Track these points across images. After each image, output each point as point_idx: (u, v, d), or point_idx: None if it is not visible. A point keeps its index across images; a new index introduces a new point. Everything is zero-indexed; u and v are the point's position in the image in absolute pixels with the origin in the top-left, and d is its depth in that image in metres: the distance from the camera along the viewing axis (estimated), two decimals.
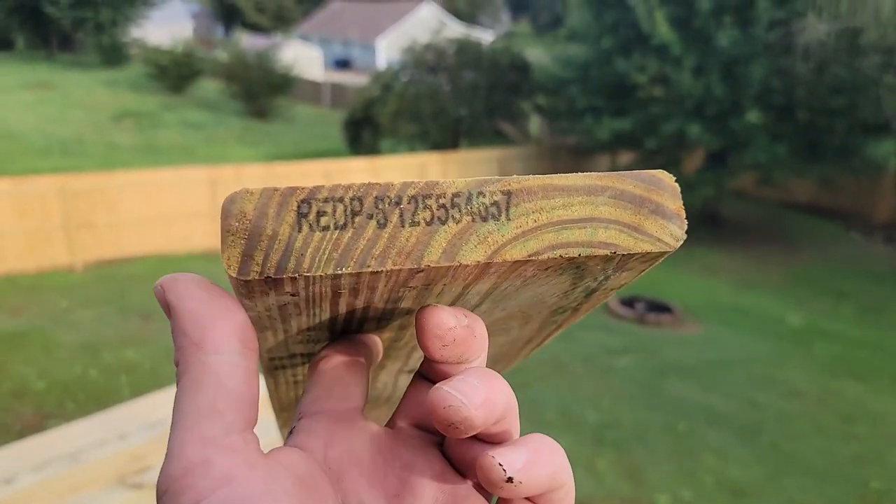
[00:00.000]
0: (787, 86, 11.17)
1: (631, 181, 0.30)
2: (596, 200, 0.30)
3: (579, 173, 0.30)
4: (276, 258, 0.28)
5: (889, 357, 7.70)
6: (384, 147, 15.17)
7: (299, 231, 0.28)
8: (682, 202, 0.31)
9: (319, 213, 0.28)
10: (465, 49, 14.55)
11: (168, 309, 0.28)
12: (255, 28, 41.46)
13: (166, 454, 0.25)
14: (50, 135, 16.62)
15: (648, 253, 0.30)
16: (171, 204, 9.74)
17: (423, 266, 0.28)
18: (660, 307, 8.47)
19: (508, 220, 0.29)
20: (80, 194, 8.98)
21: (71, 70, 26.56)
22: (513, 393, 0.30)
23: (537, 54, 15.24)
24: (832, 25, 10.36)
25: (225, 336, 0.28)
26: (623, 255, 0.30)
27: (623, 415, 5.82)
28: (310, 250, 0.28)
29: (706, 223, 13.54)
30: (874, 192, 13.78)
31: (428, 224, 0.28)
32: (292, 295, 0.29)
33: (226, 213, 0.28)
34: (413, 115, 13.96)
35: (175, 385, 0.28)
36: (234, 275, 0.28)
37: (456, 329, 0.29)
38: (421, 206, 0.28)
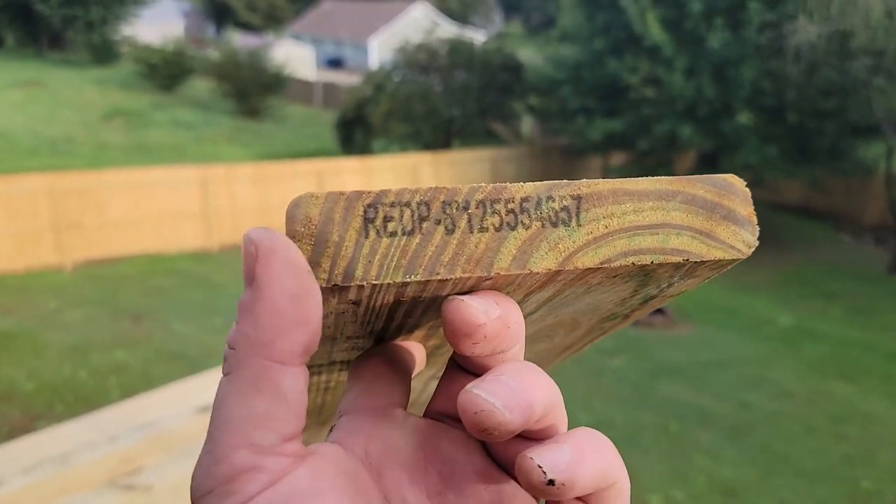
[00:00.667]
0: (777, 88, 11.22)
1: (702, 186, 0.29)
2: (667, 206, 0.29)
3: (649, 177, 0.29)
4: (343, 265, 0.27)
5: (879, 358, 7.74)
6: (376, 147, 15.15)
7: (366, 237, 0.27)
8: (752, 207, 0.30)
9: (387, 219, 0.27)
10: (458, 49, 14.55)
11: (250, 278, 0.25)
12: (246, 27, 41.35)
13: (209, 450, 0.24)
14: (39, 134, 16.50)
15: (720, 260, 0.29)
16: (161, 204, 9.69)
17: (492, 274, 0.27)
18: None
19: (579, 225, 0.28)
20: (69, 194, 8.92)
21: (61, 68, 26.39)
22: (556, 386, 0.28)
23: (529, 55, 15.28)
24: (822, 28, 10.42)
25: (297, 347, 0.25)
26: (695, 262, 0.29)
27: (615, 415, 5.83)
28: (377, 257, 0.27)
29: None
30: (864, 194, 13.87)
31: (497, 230, 0.27)
32: (354, 303, 0.28)
33: (291, 218, 0.27)
34: (405, 115, 13.95)
35: (220, 371, 0.26)
36: None
37: (486, 325, 0.27)
38: (489, 210, 0.27)
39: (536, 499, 0.30)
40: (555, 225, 0.28)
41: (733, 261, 0.30)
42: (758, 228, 0.30)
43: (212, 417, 0.25)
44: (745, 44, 10.99)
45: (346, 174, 11.71)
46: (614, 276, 0.29)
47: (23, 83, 22.64)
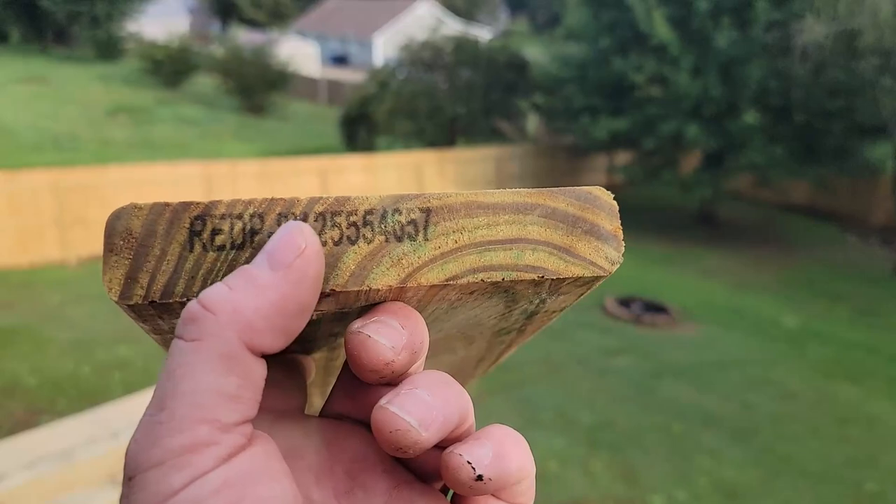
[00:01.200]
0: (784, 87, 11.18)
1: (564, 198, 0.28)
2: (524, 219, 0.28)
3: (507, 190, 0.28)
4: (163, 280, 0.26)
5: (884, 359, 7.71)
6: (380, 145, 15.14)
7: (191, 251, 0.26)
8: (619, 222, 0.29)
9: (215, 231, 0.26)
10: (463, 47, 14.52)
11: (283, 264, 0.24)
12: (251, 23, 41.36)
13: (162, 421, 0.23)
14: (43, 129, 16.54)
15: (581, 277, 0.28)
16: (165, 199, 9.67)
17: (327, 290, 0.26)
18: (655, 308, 8.48)
19: (426, 240, 0.27)
20: (73, 189, 8.93)
21: (65, 64, 26.44)
22: (466, 394, 0.27)
23: (535, 53, 15.23)
24: (830, 27, 10.37)
25: (275, 345, 0.25)
26: (553, 279, 0.28)
27: (618, 416, 5.82)
28: (201, 272, 0.26)
29: (703, 224, 13.55)
30: (870, 195, 13.82)
31: (336, 244, 0.26)
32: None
33: (109, 231, 0.26)
34: (409, 112, 13.94)
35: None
36: (115, 298, 0.26)
37: (395, 363, 0.26)
38: (329, 223, 0.26)
39: (444, 492, 0.30)
40: (399, 239, 0.27)
41: (596, 278, 0.28)
42: (623, 244, 0.29)
43: (168, 384, 0.23)
44: (751, 43, 10.95)
45: (350, 172, 11.71)
46: (471, 293, 0.28)
47: (27, 79, 22.68)
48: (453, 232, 0.27)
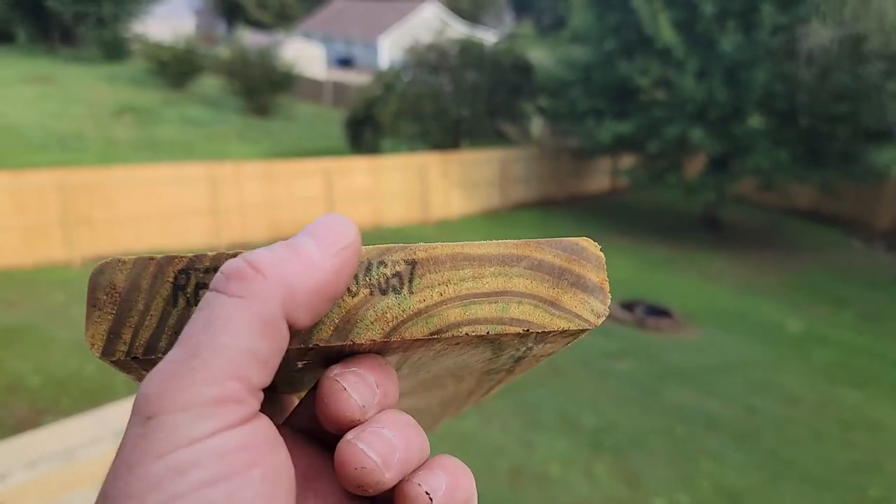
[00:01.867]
0: (789, 91, 11.16)
1: (550, 250, 0.28)
2: (510, 271, 0.28)
3: (495, 241, 0.28)
4: (145, 336, 0.25)
5: (888, 364, 7.69)
6: (385, 146, 15.16)
7: (174, 305, 0.26)
8: (606, 273, 0.29)
9: (199, 286, 0.26)
10: (468, 49, 14.53)
11: (322, 241, 0.25)
12: (257, 25, 41.44)
13: (196, 367, 0.23)
14: (49, 129, 16.59)
15: (566, 330, 0.28)
16: (169, 200, 9.72)
17: (311, 345, 0.26)
18: (659, 311, 8.46)
19: (411, 293, 0.27)
20: (78, 189, 8.96)
21: (71, 64, 26.53)
22: (426, 437, 0.28)
23: (540, 55, 15.23)
24: (836, 31, 10.35)
25: (308, 318, 0.25)
26: (538, 332, 0.28)
27: (621, 419, 5.82)
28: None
29: (707, 228, 13.53)
30: (876, 200, 13.79)
31: None
32: None
33: (93, 286, 0.26)
34: (414, 114, 13.95)
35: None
36: (97, 355, 0.25)
37: (359, 422, 0.27)
38: None
39: None
40: (384, 292, 0.27)
41: (582, 330, 0.28)
42: (609, 297, 0.28)
43: (203, 335, 0.23)
44: (757, 47, 10.92)
45: (355, 173, 11.72)
46: (457, 344, 0.28)
47: (34, 79, 22.76)
48: (438, 284, 0.27)
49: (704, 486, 4.90)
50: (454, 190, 13.00)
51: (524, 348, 0.31)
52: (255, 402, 0.24)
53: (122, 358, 0.26)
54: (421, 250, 0.27)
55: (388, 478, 0.25)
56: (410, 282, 0.27)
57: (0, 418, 5.03)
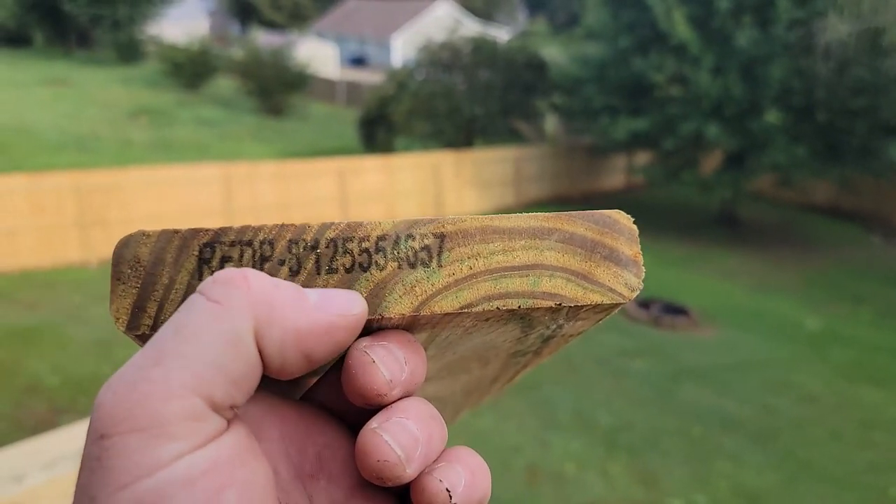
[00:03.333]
0: (806, 86, 11.04)
1: (582, 223, 0.28)
2: (541, 245, 0.27)
3: (525, 214, 0.28)
4: (171, 310, 0.25)
5: None
6: (398, 146, 15.18)
7: (200, 279, 0.26)
8: (639, 247, 0.28)
9: (224, 259, 0.26)
10: (481, 47, 14.51)
11: (327, 302, 0.25)
12: (271, 25, 41.62)
13: (154, 379, 0.21)
14: (65, 130, 16.76)
15: (599, 304, 0.27)
16: (184, 201, 9.79)
17: None
18: (675, 309, 8.42)
19: (440, 266, 0.27)
20: (94, 191, 9.04)
21: (87, 66, 26.80)
22: (446, 431, 0.27)
23: (553, 53, 15.18)
24: (853, 25, 10.24)
25: (280, 360, 0.24)
26: (570, 306, 0.27)
27: (636, 418, 5.79)
28: None
29: (723, 225, 13.43)
30: (895, 195, 13.64)
31: (347, 271, 0.26)
32: None
33: (117, 259, 0.26)
34: (428, 113, 13.96)
35: None
36: (122, 329, 0.25)
37: (386, 397, 0.26)
38: (341, 250, 0.26)
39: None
40: (413, 266, 0.26)
41: (615, 305, 0.28)
42: (643, 269, 0.28)
43: (171, 340, 0.22)
44: (773, 42, 10.82)
45: (368, 172, 11.74)
46: (487, 320, 0.28)
47: (50, 81, 23.01)
48: (468, 258, 0.27)
49: (721, 487, 4.87)
50: (468, 188, 12.99)
51: (555, 325, 0.30)
52: (222, 418, 0.22)
53: (146, 332, 0.25)
54: (450, 223, 0.27)
55: (409, 473, 0.25)
56: (440, 255, 0.27)
57: (19, 419, 5.08)
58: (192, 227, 0.26)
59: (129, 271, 0.26)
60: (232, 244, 0.26)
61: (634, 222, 0.28)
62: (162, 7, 31.79)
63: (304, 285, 0.26)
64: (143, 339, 0.26)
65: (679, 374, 6.73)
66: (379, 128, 14.89)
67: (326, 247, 0.26)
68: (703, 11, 11.33)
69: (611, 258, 0.28)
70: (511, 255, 0.27)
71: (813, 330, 8.43)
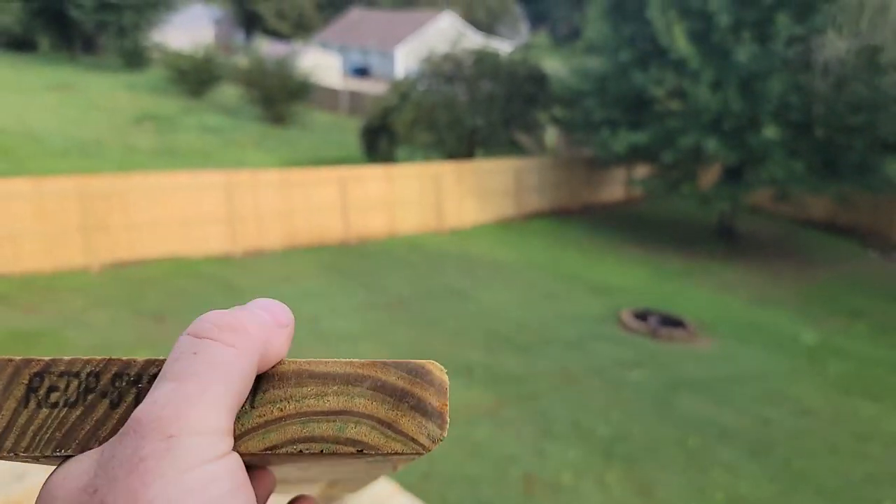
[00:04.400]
0: (805, 102, 11.10)
1: (395, 372, 0.29)
2: (352, 391, 0.28)
3: (342, 360, 0.29)
4: None
5: None
6: (400, 155, 15.24)
7: (25, 406, 0.27)
8: (447, 398, 0.29)
9: (51, 389, 0.27)
10: (483, 59, 14.60)
11: (276, 317, 0.30)
12: (275, 35, 41.81)
13: (207, 401, 0.26)
14: (70, 136, 16.81)
15: (399, 453, 0.28)
16: (187, 208, 9.83)
17: None
18: (673, 321, 8.44)
19: (252, 407, 0.28)
20: (97, 196, 9.08)
21: (93, 72, 26.90)
22: None
23: (555, 66, 15.27)
24: (852, 43, 10.31)
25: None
26: (369, 454, 0.28)
27: (634, 428, 5.78)
28: (32, 428, 0.27)
29: (722, 238, 13.47)
30: (892, 210, 13.69)
31: None
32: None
33: None
34: (429, 124, 14.02)
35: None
36: None
37: None
38: None
39: None
40: None
41: (414, 454, 0.29)
42: (448, 422, 0.29)
43: (208, 371, 0.26)
44: (772, 57, 10.89)
45: (370, 182, 11.79)
46: (296, 456, 0.29)
47: (56, 86, 23.10)
48: (280, 400, 0.28)
49: (718, 498, 4.85)
50: (468, 199, 13.05)
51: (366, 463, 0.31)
52: (230, 441, 0.27)
53: None
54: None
55: None
56: (253, 396, 0.28)
57: None
58: (25, 356, 0.28)
59: None
60: (60, 375, 0.28)
61: (447, 374, 0.30)
62: (167, 14, 31.96)
63: (122, 417, 0.27)
64: None
65: (676, 386, 6.72)
66: (381, 137, 14.96)
67: (148, 382, 0.28)
68: (704, 27, 11.41)
69: (417, 408, 0.28)
70: (322, 400, 0.28)
71: (810, 343, 8.44)
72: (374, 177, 11.95)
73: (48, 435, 0.27)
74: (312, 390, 0.28)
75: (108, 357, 0.28)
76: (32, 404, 0.27)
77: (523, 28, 48.78)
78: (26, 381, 0.27)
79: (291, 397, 0.28)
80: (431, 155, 14.64)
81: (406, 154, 15.19)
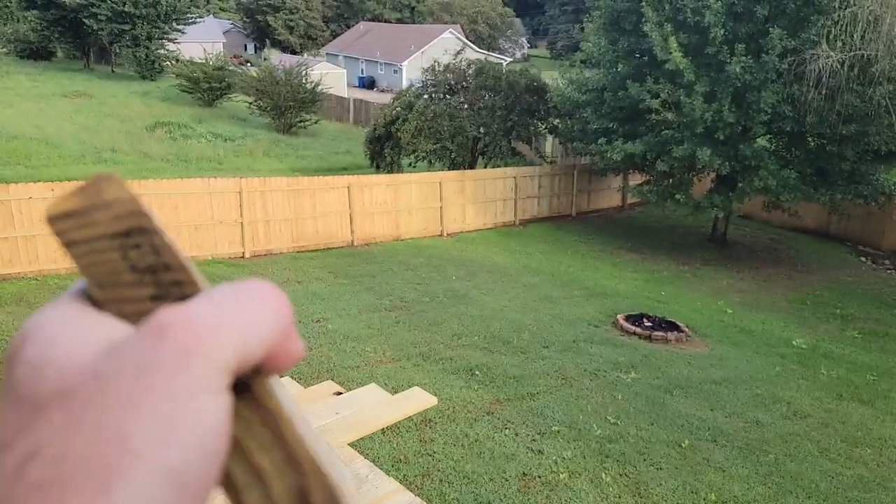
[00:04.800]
0: (798, 113, 11.21)
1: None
2: None
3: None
4: None
5: (895, 381, 7.70)
6: (404, 163, 15.46)
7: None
8: None
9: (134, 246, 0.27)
10: (485, 71, 14.81)
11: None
12: (284, 46, 42.18)
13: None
14: (85, 142, 17.07)
15: None
16: (198, 213, 10.08)
17: None
18: (668, 325, 8.56)
19: None
20: None
21: (107, 81, 27.22)
22: None
23: (554, 77, 15.49)
24: (844, 54, 10.42)
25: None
26: None
27: (627, 429, 5.80)
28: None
29: (716, 244, 13.60)
30: (883, 219, 13.82)
31: None
32: None
33: None
34: (433, 133, 14.21)
35: None
36: None
37: None
38: None
39: None
40: None
41: None
42: None
43: (243, 312, 0.28)
44: (766, 69, 11.00)
45: (375, 188, 12.05)
46: None
47: (71, 94, 23.45)
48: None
49: (710, 499, 4.86)
50: (470, 205, 13.29)
51: None
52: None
53: None
54: None
55: None
56: None
57: None
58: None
59: None
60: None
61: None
62: (180, 25, 32.37)
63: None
64: None
65: (670, 388, 6.77)
66: (386, 146, 15.17)
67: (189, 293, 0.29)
68: (699, 40, 11.55)
69: None
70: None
71: (802, 348, 8.52)
72: (379, 184, 12.20)
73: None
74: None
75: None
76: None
77: (523, 42, 49.04)
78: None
79: None
80: (434, 163, 14.85)
81: (410, 162, 15.41)
